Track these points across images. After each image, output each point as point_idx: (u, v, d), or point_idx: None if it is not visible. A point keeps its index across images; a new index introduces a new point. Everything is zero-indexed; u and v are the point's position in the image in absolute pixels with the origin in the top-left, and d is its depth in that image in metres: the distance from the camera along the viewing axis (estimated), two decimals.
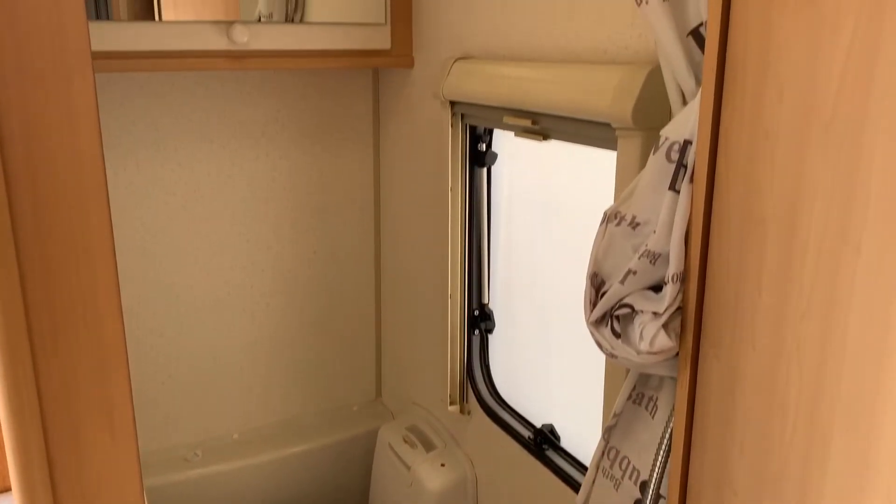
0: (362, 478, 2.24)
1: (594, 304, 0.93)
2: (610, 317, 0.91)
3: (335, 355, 2.28)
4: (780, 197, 0.70)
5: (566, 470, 1.50)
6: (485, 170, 1.69)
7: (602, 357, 1.26)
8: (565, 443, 1.57)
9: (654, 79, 1.07)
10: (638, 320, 0.87)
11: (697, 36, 0.93)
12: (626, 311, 0.89)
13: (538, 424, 1.62)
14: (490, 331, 1.80)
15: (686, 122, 0.86)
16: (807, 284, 0.68)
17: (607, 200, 1.19)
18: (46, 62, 0.52)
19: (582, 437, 1.53)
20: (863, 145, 0.60)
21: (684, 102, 0.96)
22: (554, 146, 1.40)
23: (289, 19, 1.73)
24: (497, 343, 1.81)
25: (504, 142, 1.66)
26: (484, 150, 1.67)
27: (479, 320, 1.79)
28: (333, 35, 1.77)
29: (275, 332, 2.17)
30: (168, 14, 1.61)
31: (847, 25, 0.61)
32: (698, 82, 0.93)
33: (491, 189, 1.71)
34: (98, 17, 1.56)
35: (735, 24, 0.75)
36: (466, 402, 1.83)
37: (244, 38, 1.65)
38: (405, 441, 1.96)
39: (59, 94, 0.53)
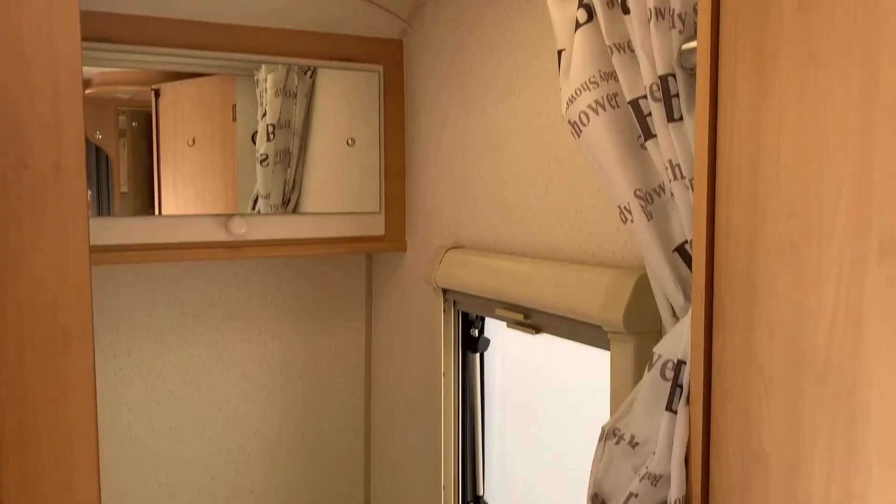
0: None
1: None
2: None
3: None
4: (779, 436, 0.69)
5: None
6: (478, 355, 1.69)
7: None
8: None
9: (644, 285, 1.09)
10: None
11: (683, 252, 0.96)
12: None
13: None
14: None
15: (678, 341, 0.87)
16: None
17: (602, 395, 1.18)
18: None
19: None
20: (857, 401, 0.61)
21: (674, 315, 0.97)
22: (547, 338, 1.41)
23: (285, 201, 1.79)
24: None
25: (497, 328, 1.67)
26: (477, 335, 1.67)
27: None
28: (329, 224, 1.83)
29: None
30: (168, 208, 1.67)
31: (830, 284, 0.63)
32: (687, 298, 0.95)
33: (484, 376, 1.70)
34: (100, 213, 1.62)
35: (720, 257, 0.78)
36: None
37: (242, 229, 1.70)
38: None
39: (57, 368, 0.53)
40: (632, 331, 1.10)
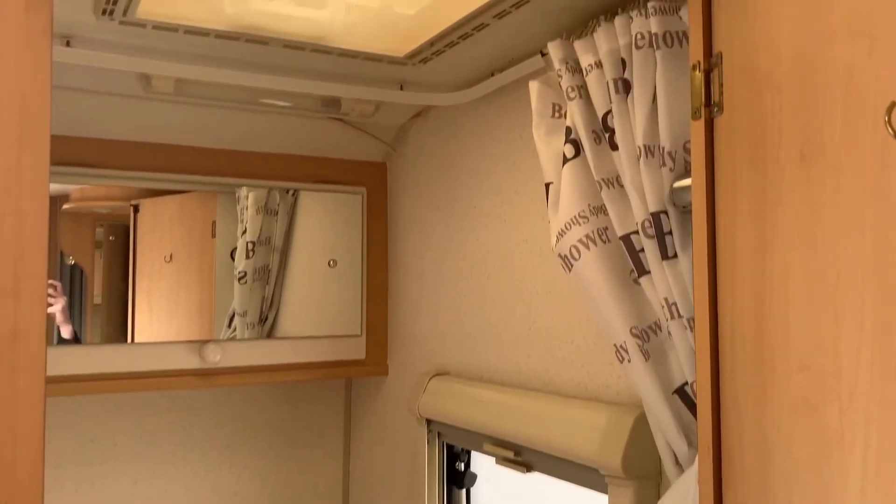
0: None
1: None
2: None
3: None
4: None
5: None
6: (464, 491, 1.59)
7: None
8: None
9: (643, 425, 1.03)
10: None
11: (684, 395, 0.91)
12: None
13: None
14: None
15: (685, 497, 0.81)
16: None
17: None
18: None
19: None
20: None
21: (677, 462, 0.91)
22: (539, 476, 1.33)
23: (262, 318, 1.73)
24: None
25: (485, 462, 1.58)
26: (463, 469, 1.58)
27: None
28: (307, 348, 1.76)
29: None
30: (141, 336, 1.60)
31: (857, 447, 0.58)
32: (691, 444, 0.89)
33: None
34: (72, 329, 1.55)
35: (727, 408, 0.73)
36: None
37: (216, 357, 1.63)
38: None
39: None
40: (631, 475, 1.03)
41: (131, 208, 1.69)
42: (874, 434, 0.58)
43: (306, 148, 1.78)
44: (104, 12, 1.11)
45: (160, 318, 1.67)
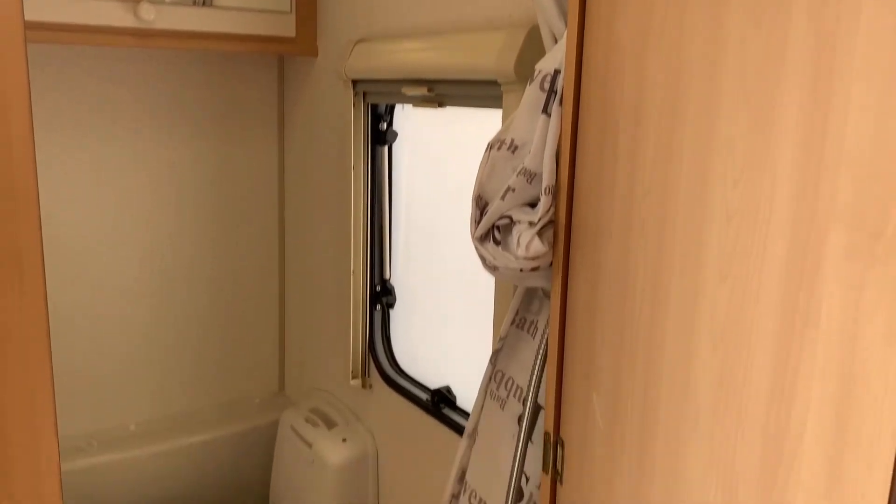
0: (264, 467, 2.23)
1: (478, 223, 1.02)
2: (492, 229, 1.00)
3: (237, 348, 2.28)
4: (628, 101, 0.82)
5: (462, 425, 1.57)
6: (386, 148, 1.78)
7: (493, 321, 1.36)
8: (461, 402, 1.64)
9: (533, 37, 1.20)
10: (516, 230, 0.97)
11: None
12: (505, 221, 0.99)
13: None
14: (391, 305, 1.87)
15: (556, 56, 0.98)
16: (648, 167, 0.80)
17: None
18: None
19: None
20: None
21: (555, 41, 1.08)
22: (449, 118, 1.51)
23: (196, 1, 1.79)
24: (398, 317, 1.88)
25: (404, 121, 1.76)
26: (385, 128, 1.76)
27: (381, 295, 1.86)
28: (239, 19, 1.84)
29: (174, 324, 2.15)
30: None
31: None
32: (567, 25, 1.06)
33: (392, 167, 1.80)
34: None
35: None
36: (368, 376, 1.88)
37: (150, 16, 1.70)
38: (307, 421, 1.99)
39: None
40: (522, 79, 1.21)
41: None
42: None
43: None
44: None
45: None
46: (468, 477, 1.20)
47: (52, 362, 0.79)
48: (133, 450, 2.06)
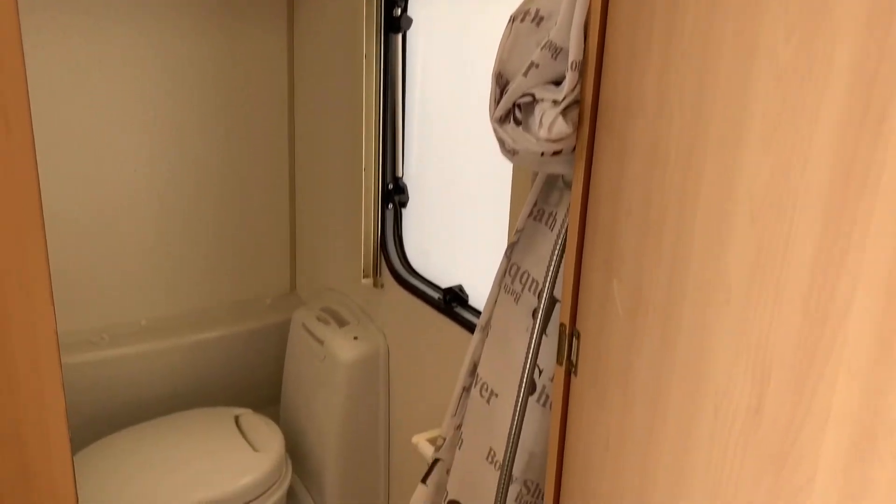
0: (275, 364, 2.25)
1: (498, 102, 0.96)
2: (513, 108, 0.94)
3: (249, 247, 2.26)
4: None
5: (474, 323, 1.55)
6: (400, 36, 1.69)
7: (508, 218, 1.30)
8: (473, 301, 1.62)
9: None
10: (538, 108, 0.91)
11: None
12: (527, 99, 0.92)
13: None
14: (404, 204, 1.83)
15: None
16: (687, 33, 0.73)
17: None
18: None
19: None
20: None
21: None
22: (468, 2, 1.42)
23: None
24: (410, 215, 1.84)
25: (419, 7, 1.66)
26: (399, 14, 1.66)
27: (393, 193, 1.81)
28: None
29: (186, 221, 2.12)
30: None
31: None
32: None
33: (406, 58, 1.72)
34: None
35: None
36: (380, 275, 1.85)
37: None
38: (319, 320, 1.98)
39: None
40: None
41: None
42: None
43: None
44: None
45: None
46: (480, 370, 1.18)
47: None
48: (144, 344, 2.07)
